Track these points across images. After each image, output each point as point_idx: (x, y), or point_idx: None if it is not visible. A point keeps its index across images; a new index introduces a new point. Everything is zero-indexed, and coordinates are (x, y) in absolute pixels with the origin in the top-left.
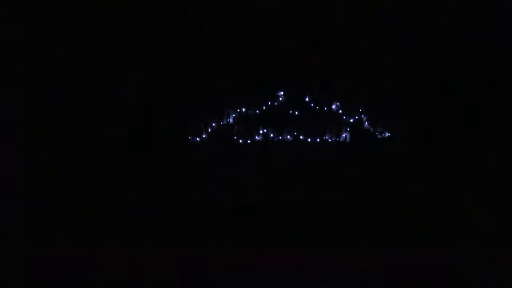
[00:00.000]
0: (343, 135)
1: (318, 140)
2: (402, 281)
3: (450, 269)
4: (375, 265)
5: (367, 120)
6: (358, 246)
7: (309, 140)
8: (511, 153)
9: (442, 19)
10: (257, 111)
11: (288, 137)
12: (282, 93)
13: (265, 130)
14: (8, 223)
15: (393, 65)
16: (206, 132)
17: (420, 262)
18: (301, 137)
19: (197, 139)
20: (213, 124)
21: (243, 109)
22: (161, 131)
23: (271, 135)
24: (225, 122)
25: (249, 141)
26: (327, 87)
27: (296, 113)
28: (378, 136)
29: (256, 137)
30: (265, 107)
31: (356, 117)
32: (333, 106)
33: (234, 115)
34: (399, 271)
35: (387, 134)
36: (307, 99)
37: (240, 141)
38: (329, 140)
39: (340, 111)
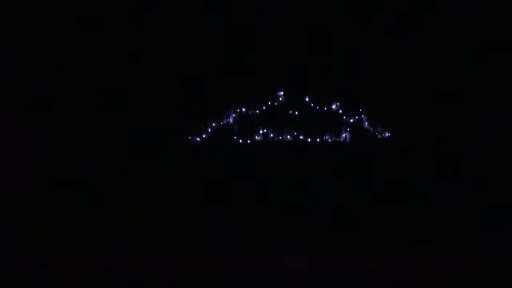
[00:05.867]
0: (343, 135)
1: (318, 140)
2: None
3: (451, 269)
4: (375, 265)
5: (367, 120)
6: (359, 246)
7: (309, 140)
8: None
9: (442, 19)
10: (257, 111)
11: (288, 137)
12: (282, 93)
13: (265, 130)
14: (8, 223)
15: (393, 64)
16: (206, 132)
17: (418, 262)
18: (301, 137)
19: (197, 139)
20: (213, 124)
21: (243, 109)
22: (161, 131)
23: (271, 135)
24: (225, 122)
25: (249, 141)
26: (327, 87)
27: (296, 113)
28: (378, 136)
29: (256, 137)
30: (265, 107)
31: (356, 117)
32: (333, 106)
33: (234, 115)
34: (406, 271)
35: (387, 134)
36: (307, 99)
37: (240, 141)
38: (329, 140)
39: (340, 111)
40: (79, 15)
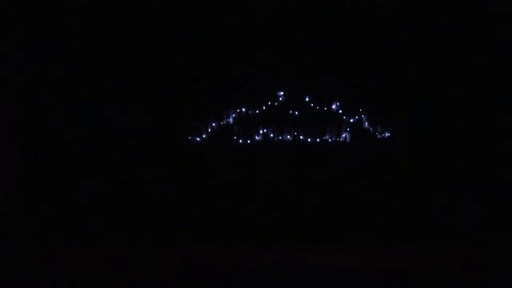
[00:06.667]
0: (343, 135)
1: (318, 140)
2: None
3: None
4: (374, 265)
5: (367, 120)
6: (358, 246)
7: (309, 140)
8: (509, 152)
9: (441, 22)
10: (257, 111)
11: (288, 137)
12: (282, 93)
13: (265, 130)
14: (8, 223)
15: (393, 65)
16: (206, 132)
17: (419, 262)
18: (301, 137)
19: (197, 139)
20: (213, 124)
21: (243, 109)
22: (161, 131)
23: (271, 135)
24: (225, 122)
25: (249, 141)
26: (327, 87)
27: (296, 113)
28: (378, 136)
29: (256, 137)
30: (265, 107)
31: (356, 117)
32: (333, 106)
33: (234, 115)
34: (407, 271)
35: (387, 134)
36: (307, 99)
37: (240, 141)
38: (329, 140)
39: (340, 111)
40: (80, 14)
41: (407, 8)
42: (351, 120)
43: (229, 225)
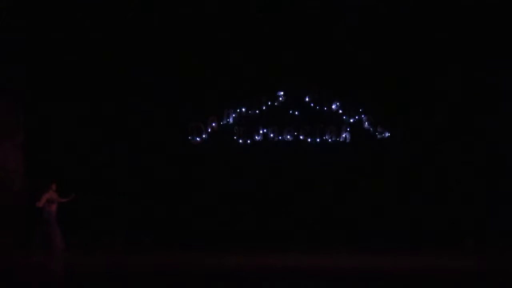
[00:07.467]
0: (343, 135)
1: (318, 140)
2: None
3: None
4: (375, 265)
5: (367, 120)
6: (358, 246)
7: (309, 140)
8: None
9: (440, 23)
10: (257, 111)
11: (288, 137)
12: (282, 93)
13: (265, 130)
14: (8, 223)
15: (393, 65)
16: (206, 132)
17: (423, 262)
18: (301, 137)
19: (197, 139)
20: (213, 124)
21: (243, 109)
22: (162, 131)
23: (271, 135)
24: (225, 122)
25: (249, 141)
26: (327, 87)
27: (296, 113)
28: (378, 136)
29: (256, 137)
30: (265, 107)
31: (356, 117)
32: (333, 106)
33: (234, 115)
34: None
35: (387, 134)
36: (307, 99)
37: (240, 141)
38: (329, 140)
39: (340, 111)
40: (79, 16)
41: (406, 9)
42: (351, 120)
43: (228, 225)
